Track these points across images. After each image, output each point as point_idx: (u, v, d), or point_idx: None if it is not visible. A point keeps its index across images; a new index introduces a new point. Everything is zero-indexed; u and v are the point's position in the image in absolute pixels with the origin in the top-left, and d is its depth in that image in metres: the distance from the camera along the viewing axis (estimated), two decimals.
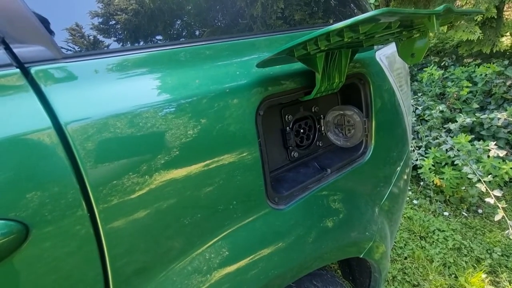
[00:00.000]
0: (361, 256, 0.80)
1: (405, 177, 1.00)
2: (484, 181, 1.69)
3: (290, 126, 0.68)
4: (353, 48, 0.58)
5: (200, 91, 0.46)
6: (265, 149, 0.55)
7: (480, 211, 2.07)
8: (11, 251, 0.33)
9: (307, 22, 0.69)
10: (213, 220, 0.49)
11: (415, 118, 2.48)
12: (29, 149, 0.34)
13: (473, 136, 2.05)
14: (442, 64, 3.18)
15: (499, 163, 1.73)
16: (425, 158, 2.06)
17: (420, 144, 2.25)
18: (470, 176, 1.75)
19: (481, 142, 1.89)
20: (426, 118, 2.39)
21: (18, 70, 0.35)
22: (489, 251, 1.74)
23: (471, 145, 1.87)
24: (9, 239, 0.33)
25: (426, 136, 2.28)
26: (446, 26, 2.98)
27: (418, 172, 2.12)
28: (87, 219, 0.37)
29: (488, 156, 1.78)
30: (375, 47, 0.77)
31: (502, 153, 1.72)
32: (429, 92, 2.67)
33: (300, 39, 0.39)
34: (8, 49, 0.36)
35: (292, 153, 0.69)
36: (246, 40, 0.57)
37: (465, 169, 1.79)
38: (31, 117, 0.35)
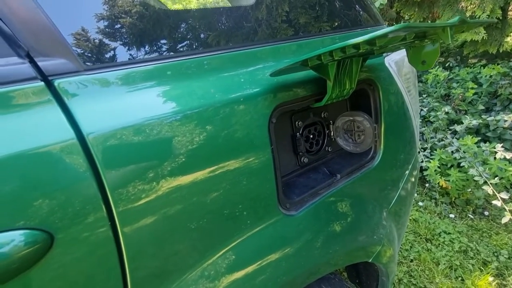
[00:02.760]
0: (370, 260, 0.80)
1: (413, 180, 1.00)
2: (490, 183, 1.69)
3: (300, 132, 0.68)
4: (365, 56, 0.59)
5: (215, 100, 0.47)
6: (277, 155, 0.56)
7: (486, 213, 2.06)
8: (37, 260, 0.34)
9: (313, 28, 0.70)
10: (228, 226, 0.50)
11: (420, 120, 2.48)
12: (53, 159, 0.35)
13: (479, 138, 2.04)
14: (446, 65, 3.16)
15: (506, 165, 1.73)
16: (430, 160, 2.05)
17: (426, 146, 2.25)
18: (476, 178, 1.74)
19: (487, 144, 1.88)
20: (431, 120, 2.38)
21: (42, 83, 0.36)
22: (495, 254, 1.73)
23: (477, 147, 1.86)
24: (34, 248, 0.34)
25: (431, 137, 2.28)
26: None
27: (424, 174, 2.11)
28: (109, 227, 0.38)
29: (495, 158, 1.77)
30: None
31: (508, 155, 1.72)
32: (434, 93, 2.67)
33: (315, 52, 0.40)
34: (33, 62, 0.37)
35: (302, 158, 0.70)
36: (263, 48, 0.58)
37: (472, 171, 1.79)
38: (55, 129, 0.36)
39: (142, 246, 0.42)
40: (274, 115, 0.54)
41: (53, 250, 0.35)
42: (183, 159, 0.43)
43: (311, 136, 0.72)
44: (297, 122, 0.67)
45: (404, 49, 0.58)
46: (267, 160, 0.53)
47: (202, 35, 0.53)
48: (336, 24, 0.75)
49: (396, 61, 0.79)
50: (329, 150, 0.76)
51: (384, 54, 0.76)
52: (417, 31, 0.33)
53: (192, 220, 0.46)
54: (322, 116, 0.73)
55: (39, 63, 0.37)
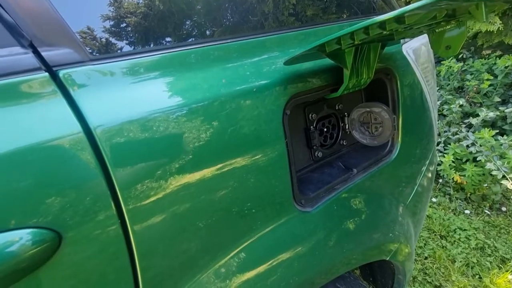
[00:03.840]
0: (387, 258, 0.77)
1: (430, 175, 0.96)
2: (509, 178, 1.62)
3: (314, 125, 0.65)
4: (384, 41, 0.55)
5: (228, 91, 0.45)
6: (292, 149, 0.53)
7: (504, 209, 1.99)
8: (45, 259, 0.33)
9: (323, 16, 0.66)
10: (242, 224, 0.48)
11: None
12: (58, 155, 0.33)
13: (496, 131, 1.97)
14: (460, 56, 3.06)
15: None
16: (444, 155, 1.99)
17: (439, 140, 2.18)
18: (494, 172, 1.68)
19: (504, 137, 1.81)
20: (445, 113, 2.31)
21: (47, 74, 0.34)
22: None
23: (495, 140, 1.79)
24: (42, 247, 0.32)
25: (445, 131, 2.21)
26: None
27: (438, 169, 2.05)
28: (118, 225, 0.36)
29: None
30: (401, 40, 0.73)
31: None
32: (447, 85, 2.58)
33: (335, 34, 0.36)
34: (36, 52, 0.35)
35: (316, 152, 0.67)
36: (274, 36, 0.55)
37: (489, 165, 1.72)
38: (60, 122, 0.34)
39: (153, 244, 0.40)
40: (288, 106, 0.52)
41: (61, 249, 0.33)
42: (196, 154, 0.41)
43: (325, 129, 0.69)
44: (310, 115, 0.64)
45: (424, 36, 0.54)
46: (282, 154, 0.51)
47: (208, 23, 0.50)
48: (347, 10, 0.71)
49: (414, 49, 0.75)
50: (344, 143, 0.73)
51: (401, 42, 0.72)
52: (451, 6, 0.30)
53: (205, 218, 0.44)
54: (337, 108, 0.69)
55: (43, 53, 0.35)
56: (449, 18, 0.41)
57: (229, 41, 0.49)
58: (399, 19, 0.32)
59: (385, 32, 0.36)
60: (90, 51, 0.38)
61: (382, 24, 0.34)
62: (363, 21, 0.34)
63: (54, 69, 0.35)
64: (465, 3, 0.32)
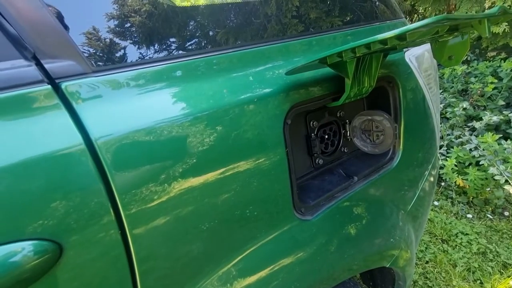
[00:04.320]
0: (388, 265, 0.77)
1: (432, 179, 0.96)
2: None
3: (315, 132, 0.65)
4: (386, 51, 0.55)
5: (226, 102, 0.45)
6: (292, 157, 0.53)
7: (506, 213, 1.97)
8: (46, 270, 0.33)
9: (325, 23, 0.66)
10: (241, 234, 0.48)
11: None
12: (60, 166, 0.33)
13: (499, 135, 1.95)
14: (464, 58, 3.04)
15: None
16: (447, 158, 1.98)
17: (442, 143, 2.17)
18: (497, 177, 1.67)
19: (508, 141, 1.79)
20: (448, 116, 2.29)
21: (49, 86, 0.35)
22: None
23: (498, 144, 1.78)
24: (44, 259, 0.32)
25: (448, 135, 2.19)
26: None
27: (440, 172, 2.04)
28: (119, 238, 0.36)
29: None
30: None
31: None
32: (451, 88, 2.56)
33: (336, 49, 0.36)
34: (39, 64, 0.35)
35: (317, 160, 0.67)
36: (275, 45, 0.55)
37: (492, 169, 1.71)
38: (62, 134, 0.34)
39: (153, 255, 0.40)
40: (289, 116, 0.52)
41: (62, 259, 0.34)
42: (194, 164, 0.41)
43: (326, 136, 0.68)
44: (312, 122, 0.64)
45: (428, 43, 0.54)
46: (282, 163, 0.51)
47: (212, 33, 0.51)
48: (349, 18, 0.71)
49: (417, 56, 0.74)
50: (345, 151, 0.72)
51: (404, 49, 0.72)
52: (455, 23, 0.30)
53: (204, 225, 0.44)
54: (338, 115, 0.69)
55: (46, 66, 0.35)
56: (452, 31, 0.41)
57: (230, 51, 0.49)
58: (401, 37, 0.32)
59: (387, 47, 0.36)
60: (93, 62, 0.38)
61: (383, 41, 0.34)
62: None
63: (57, 81, 0.35)
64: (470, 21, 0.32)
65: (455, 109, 2.20)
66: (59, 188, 0.33)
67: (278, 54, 0.55)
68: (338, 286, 0.84)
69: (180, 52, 0.45)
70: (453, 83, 2.58)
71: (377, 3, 0.78)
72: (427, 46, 0.81)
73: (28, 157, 0.32)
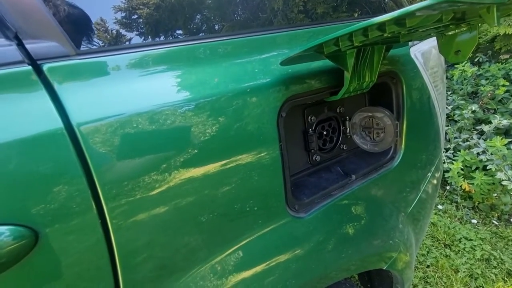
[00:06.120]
0: (385, 267, 0.74)
1: (435, 182, 0.93)
2: None
3: (313, 128, 0.63)
4: (388, 43, 0.53)
5: (219, 91, 0.43)
6: (286, 152, 0.51)
7: None
8: (22, 256, 0.32)
9: (331, 16, 0.63)
10: (230, 228, 0.47)
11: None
12: (38, 151, 0.32)
13: (509, 139, 1.89)
14: (476, 60, 2.96)
15: None
16: (453, 161, 1.93)
17: (449, 146, 2.11)
18: (504, 182, 1.62)
19: None
20: (456, 119, 2.24)
21: (30, 67, 0.33)
22: None
23: (507, 149, 1.73)
24: (19, 244, 0.31)
25: (455, 137, 2.14)
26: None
27: (445, 176, 1.99)
28: (98, 224, 0.35)
29: None
30: (410, 42, 0.70)
31: None
32: (460, 90, 2.50)
33: (333, 34, 0.34)
34: (20, 45, 0.34)
35: (314, 156, 0.65)
36: (267, 35, 0.52)
37: (499, 174, 1.66)
38: (42, 117, 0.33)
39: (134, 244, 0.39)
40: (284, 108, 0.50)
41: (38, 246, 0.33)
42: (179, 156, 0.39)
43: (325, 132, 0.66)
44: (310, 117, 0.62)
45: (434, 38, 0.51)
46: (275, 157, 0.49)
47: (200, 19, 0.49)
48: (358, 9, 0.68)
49: (423, 52, 0.71)
50: (344, 148, 0.70)
51: (409, 44, 0.69)
52: (456, 8, 0.27)
53: (192, 218, 0.43)
54: (338, 111, 0.67)
55: (27, 46, 0.34)
56: (459, 22, 0.38)
57: (223, 38, 0.47)
58: (399, 21, 0.29)
59: (386, 35, 0.33)
60: (77, 44, 0.37)
61: (381, 26, 0.32)
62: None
63: (38, 62, 0.34)
64: (475, 6, 0.29)
65: (464, 111, 2.14)
66: (35, 173, 0.32)
67: (284, 42, 0.52)
68: (335, 287, 0.82)
69: (168, 38, 0.44)
70: (462, 85, 2.52)
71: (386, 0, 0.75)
72: (434, 42, 0.78)
73: (5, 140, 0.31)
